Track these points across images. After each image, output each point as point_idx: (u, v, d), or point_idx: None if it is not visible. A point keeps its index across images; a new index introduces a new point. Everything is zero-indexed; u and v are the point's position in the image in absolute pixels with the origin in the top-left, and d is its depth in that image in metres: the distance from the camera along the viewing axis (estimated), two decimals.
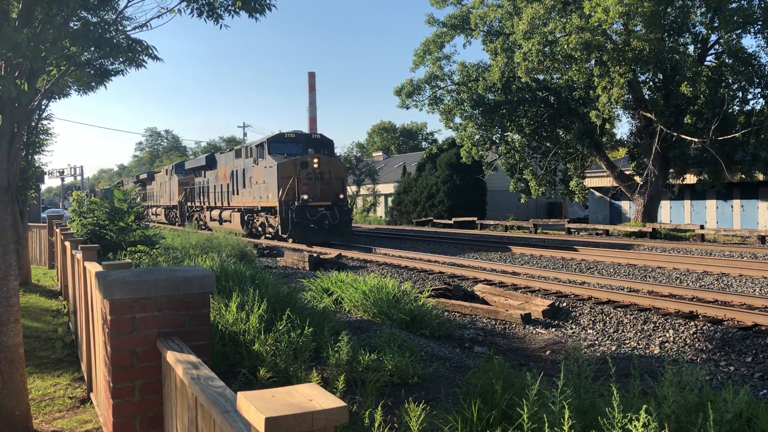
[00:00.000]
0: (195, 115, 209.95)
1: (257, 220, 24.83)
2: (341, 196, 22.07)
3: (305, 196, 21.18)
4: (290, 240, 21.58)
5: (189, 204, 35.16)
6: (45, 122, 12.14)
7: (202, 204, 32.37)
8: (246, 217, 25.70)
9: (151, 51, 5.28)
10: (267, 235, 24.24)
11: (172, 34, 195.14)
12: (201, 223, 32.38)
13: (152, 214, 45.29)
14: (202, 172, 32.49)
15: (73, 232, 10.42)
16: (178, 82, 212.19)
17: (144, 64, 5.43)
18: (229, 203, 27.62)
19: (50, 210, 41.69)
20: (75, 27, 4.86)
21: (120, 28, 5.17)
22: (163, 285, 3.25)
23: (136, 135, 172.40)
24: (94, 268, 4.94)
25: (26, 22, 4.34)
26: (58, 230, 11.43)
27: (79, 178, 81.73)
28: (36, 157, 12.18)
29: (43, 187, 31.24)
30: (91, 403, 5.45)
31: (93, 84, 6.71)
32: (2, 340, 4.52)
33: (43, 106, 9.65)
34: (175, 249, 12.99)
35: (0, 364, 4.51)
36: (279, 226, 21.85)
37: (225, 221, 27.83)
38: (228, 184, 27.54)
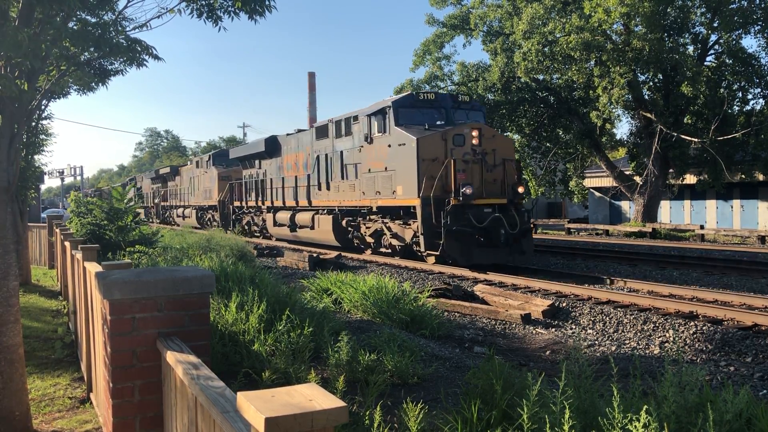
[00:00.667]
0: (195, 115, 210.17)
1: (368, 228, 16.77)
2: (520, 190, 14.17)
3: (468, 190, 13.23)
4: (432, 260, 14.13)
5: (237, 203, 26.77)
6: (45, 122, 12.15)
7: (258, 203, 24.17)
8: (345, 223, 17.78)
9: (151, 50, 5.28)
10: (384, 249, 16.26)
11: (172, 34, 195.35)
12: (256, 228, 24.85)
13: (177, 216, 37.09)
14: (256, 161, 24.51)
15: (73, 232, 10.43)
16: (178, 82, 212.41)
17: (145, 63, 5.44)
18: (309, 202, 19.67)
19: (50, 210, 41.70)
20: (74, 27, 4.87)
21: (120, 28, 5.18)
22: (162, 285, 3.24)
23: (136, 135, 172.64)
24: (93, 268, 4.94)
25: (26, 22, 4.34)
26: (57, 230, 11.43)
27: (78, 178, 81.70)
28: (36, 157, 12.18)
29: (43, 187, 31.10)
30: (91, 403, 5.45)
31: (93, 84, 6.71)
32: (2, 340, 4.52)
33: (43, 106, 9.64)
34: (174, 249, 13.00)
35: (0, 364, 4.51)
36: (420, 236, 13.88)
37: (302, 227, 20.05)
38: (307, 176, 19.72)
